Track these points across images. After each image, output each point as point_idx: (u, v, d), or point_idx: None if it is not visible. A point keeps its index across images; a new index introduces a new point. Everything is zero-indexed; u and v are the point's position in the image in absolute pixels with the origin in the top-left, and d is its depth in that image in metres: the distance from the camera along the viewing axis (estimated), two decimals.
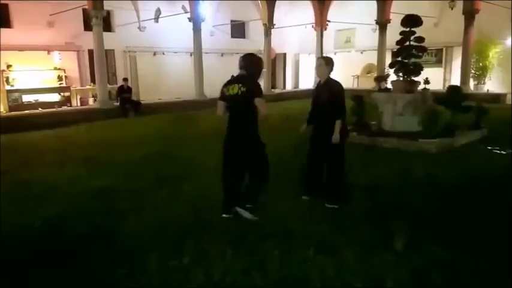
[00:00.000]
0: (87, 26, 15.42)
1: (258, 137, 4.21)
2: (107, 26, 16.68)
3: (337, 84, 4.52)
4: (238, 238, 3.72)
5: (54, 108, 14.42)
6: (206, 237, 3.76)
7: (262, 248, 3.51)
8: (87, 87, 16.67)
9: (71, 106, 15.37)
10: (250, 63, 4.18)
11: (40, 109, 14.06)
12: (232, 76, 4.39)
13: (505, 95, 15.91)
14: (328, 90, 4.46)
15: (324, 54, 21.50)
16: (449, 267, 3.18)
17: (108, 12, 15.86)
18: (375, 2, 18.67)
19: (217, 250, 3.48)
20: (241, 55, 4.32)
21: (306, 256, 3.37)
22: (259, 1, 19.19)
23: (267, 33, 19.25)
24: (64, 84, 15.85)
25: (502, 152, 7.15)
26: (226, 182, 4.34)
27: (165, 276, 3.15)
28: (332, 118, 4.39)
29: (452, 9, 17.30)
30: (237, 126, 4.16)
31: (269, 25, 19.07)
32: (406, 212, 4.33)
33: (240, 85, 4.05)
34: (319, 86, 4.62)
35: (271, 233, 3.83)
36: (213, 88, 17.06)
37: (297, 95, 20.68)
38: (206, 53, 17.62)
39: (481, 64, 17.37)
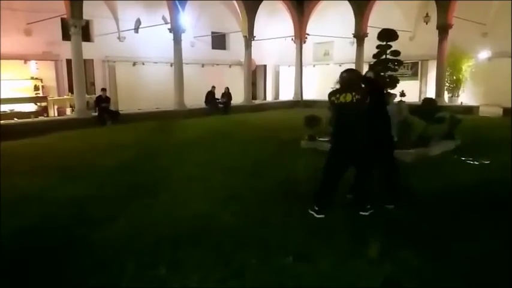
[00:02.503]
0: (66, 35, 15.27)
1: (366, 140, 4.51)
2: (86, 35, 16.54)
3: None
4: (214, 247, 3.72)
5: (30, 118, 14.15)
6: (183, 246, 3.74)
7: (239, 257, 3.51)
8: (65, 97, 16.43)
9: (47, 116, 15.10)
10: (355, 76, 4.57)
11: (15, 119, 13.77)
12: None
13: (477, 107, 16.41)
14: None
15: (304, 67, 21.88)
16: (422, 274, 3.24)
17: (88, 22, 15.74)
18: (353, 16, 19.10)
19: (194, 259, 3.47)
20: (343, 70, 4.60)
21: (283, 264, 3.39)
22: (239, 13, 19.37)
23: (248, 45, 19.41)
24: (41, 94, 15.61)
25: (475, 162, 7.36)
26: (331, 185, 4.60)
27: (141, 285, 3.12)
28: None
29: (427, 23, 17.85)
30: (351, 131, 4.44)
31: (249, 37, 19.24)
32: (382, 220, 4.41)
33: (354, 93, 4.31)
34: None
35: (248, 241, 3.84)
36: (193, 98, 17.22)
37: (277, 105, 20.90)
38: (187, 63, 17.63)
39: (454, 77, 17.89)
